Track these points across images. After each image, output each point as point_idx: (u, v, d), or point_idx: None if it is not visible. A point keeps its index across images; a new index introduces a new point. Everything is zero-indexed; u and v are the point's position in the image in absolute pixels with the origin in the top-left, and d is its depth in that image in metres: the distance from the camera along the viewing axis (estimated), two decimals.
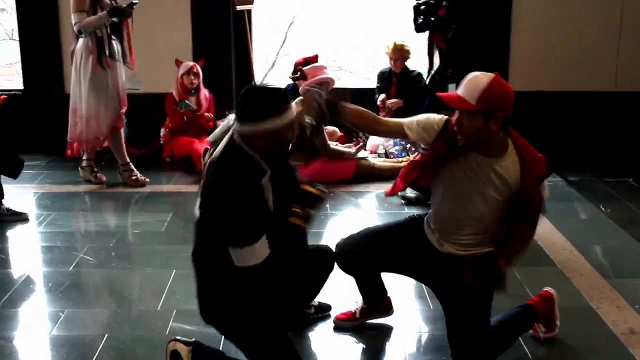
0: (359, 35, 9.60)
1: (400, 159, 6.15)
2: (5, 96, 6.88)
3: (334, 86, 6.04)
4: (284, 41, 9.87)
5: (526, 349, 3.28)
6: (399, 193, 5.00)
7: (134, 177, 5.91)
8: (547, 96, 6.89)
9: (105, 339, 3.44)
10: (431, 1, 4.74)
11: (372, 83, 6.66)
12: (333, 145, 6.08)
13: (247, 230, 2.66)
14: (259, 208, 2.68)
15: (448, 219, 3.12)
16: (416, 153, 4.30)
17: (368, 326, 3.52)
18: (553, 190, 5.67)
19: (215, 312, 2.92)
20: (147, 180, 5.92)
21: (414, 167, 3.12)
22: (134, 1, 5.64)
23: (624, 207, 5.34)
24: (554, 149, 6.69)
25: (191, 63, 6.49)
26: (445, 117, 3.05)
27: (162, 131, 6.63)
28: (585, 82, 6.86)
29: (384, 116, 6.30)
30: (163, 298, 3.84)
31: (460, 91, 2.91)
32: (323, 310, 3.63)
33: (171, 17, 6.89)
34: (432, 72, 5.21)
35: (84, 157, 6.00)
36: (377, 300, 3.48)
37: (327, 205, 5.42)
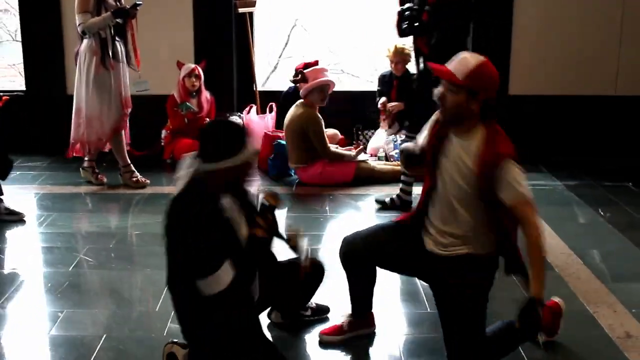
0: (361, 37, 9.61)
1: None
2: (8, 97, 6.91)
3: (334, 89, 6.07)
4: (286, 44, 9.88)
5: (523, 353, 3.28)
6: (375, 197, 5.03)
7: (134, 179, 5.93)
8: (546, 100, 6.91)
9: (104, 339, 3.45)
10: (415, 7, 4.76)
11: (374, 86, 6.67)
12: (333, 148, 6.10)
13: (206, 262, 2.71)
14: (219, 240, 2.73)
15: (432, 217, 3.14)
16: None
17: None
18: (552, 194, 5.72)
19: (192, 335, 2.96)
20: (148, 181, 5.94)
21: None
22: (137, 2, 5.66)
23: (623, 212, 5.35)
24: (553, 153, 6.78)
25: (193, 65, 6.51)
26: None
27: (163, 133, 6.65)
28: (585, 86, 6.88)
29: (384, 119, 6.36)
30: (162, 299, 3.84)
31: (450, 66, 2.99)
32: (321, 312, 3.65)
33: (173, 18, 6.92)
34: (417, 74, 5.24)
35: (86, 158, 6.02)
36: (363, 310, 3.47)
37: (327, 208, 5.45)
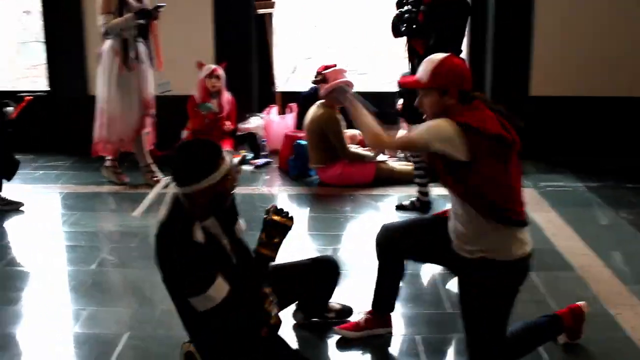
0: (380, 38, 9.61)
1: None
2: (31, 97, 6.98)
3: (354, 90, 6.07)
4: (305, 45, 9.91)
5: (544, 354, 3.28)
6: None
7: (155, 179, 5.97)
8: (568, 101, 6.88)
9: (126, 337, 3.49)
10: (413, 9, 4.79)
11: (394, 87, 6.66)
12: (353, 148, 6.11)
13: (195, 280, 2.70)
14: (205, 259, 2.71)
15: (452, 217, 3.14)
16: None
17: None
18: (573, 195, 5.70)
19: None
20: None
21: None
22: (160, 4, 5.70)
23: None
24: (574, 154, 6.74)
25: (213, 66, 6.55)
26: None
27: (184, 133, 6.69)
28: (608, 87, 6.83)
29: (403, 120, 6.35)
30: None
31: (417, 74, 3.09)
32: (344, 314, 3.65)
33: (193, 19, 6.96)
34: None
35: (108, 158, 6.07)
36: (385, 307, 3.48)
37: (347, 208, 5.46)
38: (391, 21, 4.98)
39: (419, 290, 4.04)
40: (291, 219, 2.90)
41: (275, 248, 2.87)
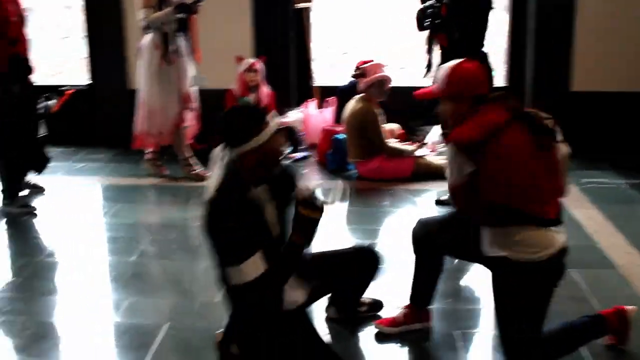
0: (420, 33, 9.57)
1: None
2: (73, 90, 7.08)
3: (394, 84, 6.06)
4: (343, 39, 9.90)
5: (587, 355, 3.24)
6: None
7: (194, 172, 6.02)
8: (610, 96, 6.77)
9: (166, 328, 3.53)
10: (437, 3, 4.78)
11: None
12: (393, 143, 6.09)
13: (235, 251, 2.74)
14: (249, 229, 2.74)
15: None
16: None
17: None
18: (615, 192, 5.61)
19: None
20: (208, 174, 5.99)
21: None
22: None
23: None
24: (616, 150, 6.64)
25: (252, 60, 6.56)
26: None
27: None
28: None
29: None
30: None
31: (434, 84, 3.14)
32: (376, 308, 3.65)
33: (232, 14, 6.97)
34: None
35: (149, 150, 6.13)
36: (422, 302, 3.46)
37: (386, 202, 5.45)
38: (415, 15, 4.98)
39: (458, 285, 4.01)
40: (320, 208, 2.80)
41: (307, 236, 2.84)
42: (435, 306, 3.55)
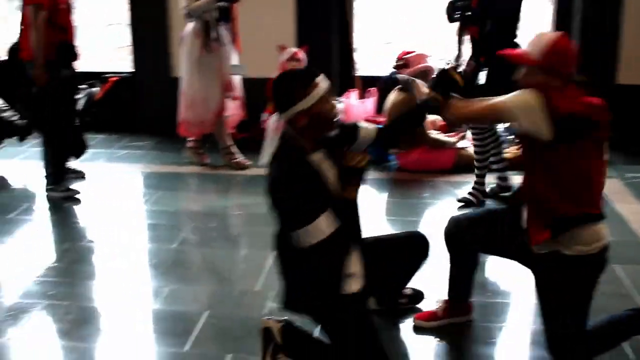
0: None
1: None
2: (117, 77, 7.14)
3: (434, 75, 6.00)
4: (385, 30, 9.85)
5: (629, 351, 3.18)
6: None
7: (234, 160, 6.04)
8: None
9: (206, 315, 3.55)
10: None
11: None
12: (434, 134, 6.05)
13: (302, 211, 2.74)
14: (312, 190, 2.77)
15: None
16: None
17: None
18: None
19: (303, 304, 2.99)
20: (249, 163, 6.02)
21: None
22: None
23: None
24: None
25: (294, 49, 6.55)
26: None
27: (265, 116, 6.73)
28: None
29: None
30: (262, 279, 3.92)
31: (526, 48, 2.97)
32: (417, 299, 3.63)
33: (275, 3, 6.96)
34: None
35: (191, 139, 6.17)
36: (461, 296, 3.43)
37: (426, 194, 5.41)
38: (445, 8, 4.97)
39: (496, 278, 3.97)
40: (364, 160, 2.88)
41: (353, 188, 2.87)
42: (474, 299, 3.51)
